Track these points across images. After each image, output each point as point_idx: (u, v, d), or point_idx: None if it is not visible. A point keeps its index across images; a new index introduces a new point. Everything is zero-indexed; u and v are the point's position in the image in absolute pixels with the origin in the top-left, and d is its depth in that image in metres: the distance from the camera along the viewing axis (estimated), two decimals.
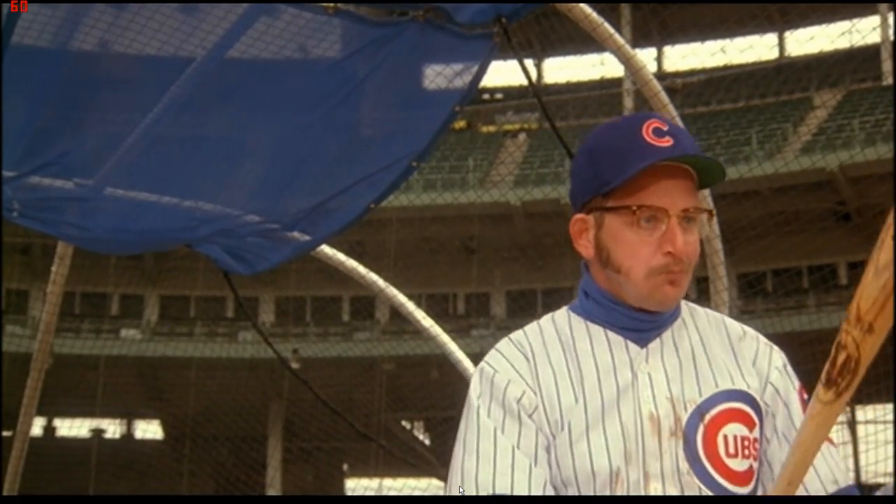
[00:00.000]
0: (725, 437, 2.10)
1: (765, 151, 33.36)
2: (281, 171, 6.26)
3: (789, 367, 2.29)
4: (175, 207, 6.24)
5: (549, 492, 2.04)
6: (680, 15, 37.95)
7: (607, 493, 2.04)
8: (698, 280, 8.97)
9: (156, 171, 6.06)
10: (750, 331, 2.28)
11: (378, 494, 35.92)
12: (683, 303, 2.25)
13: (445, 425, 32.53)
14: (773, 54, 40.67)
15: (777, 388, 2.22)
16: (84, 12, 5.20)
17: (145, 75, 5.71)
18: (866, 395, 28.12)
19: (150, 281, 37.90)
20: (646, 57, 38.50)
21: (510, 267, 36.42)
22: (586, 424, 2.07)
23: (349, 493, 39.19)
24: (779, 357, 2.29)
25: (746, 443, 2.12)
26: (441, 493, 31.28)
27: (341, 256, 8.94)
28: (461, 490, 2.04)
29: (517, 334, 2.21)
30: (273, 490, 35.18)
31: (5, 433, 13.00)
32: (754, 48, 38.58)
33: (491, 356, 2.17)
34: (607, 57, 35.01)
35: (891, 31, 35.32)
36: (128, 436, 40.58)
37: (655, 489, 2.05)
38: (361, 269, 9.22)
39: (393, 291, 9.60)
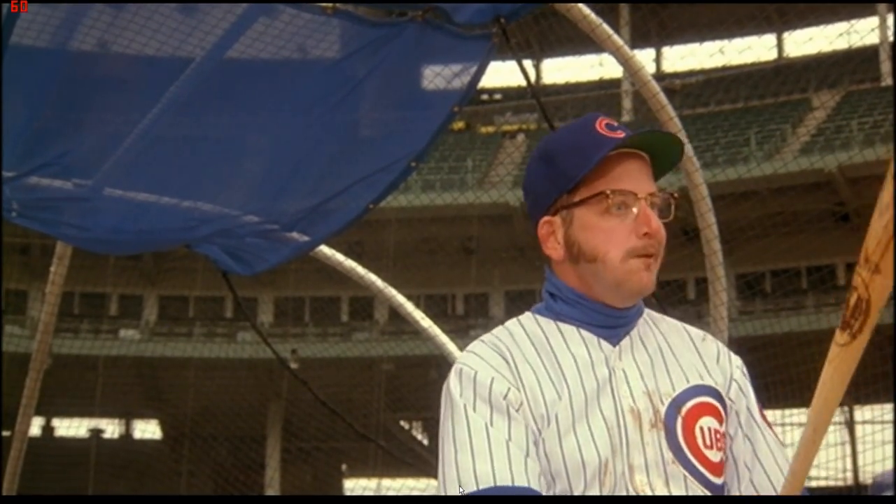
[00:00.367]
0: (702, 429, 2.16)
1: (763, 152, 33.37)
2: (280, 172, 6.26)
3: (745, 369, 2.37)
4: (174, 208, 6.25)
5: (543, 484, 2.05)
6: (678, 16, 37.96)
7: (597, 484, 2.06)
8: (697, 281, 8.98)
9: (155, 172, 6.06)
10: (708, 335, 2.35)
11: (377, 494, 35.92)
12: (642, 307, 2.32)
13: None
14: (771, 55, 40.70)
15: (740, 386, 2.29)
16: (83, 12, 5.20)
17: (144, 75, 5.71)
18: (864, 395, 28.14)
19: (148, 281, 37.90)
20: (644, 58, 38.50)
21: (509, 267, 36.40)
22: (573, 418, 2.10)
23: (348, 493, 39.19)
24: (737, 358, 2.36)
25: (718, 436, 2.18)
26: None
27: (340, 257, 8.94)
28: (460, 486, 2.03)
29: (488, 337, 2.23)
30: (272, 490, 35.17)
31: (4, 433, 13.00)
32: (753, 49, 38.60)
33: (466, 358, 2.18)
34: (606, 58, 35.00)
35: (889, 32, 35.34)
36: (126, 436, 40.59)
37: (641, 480, 2.09)
38: (360, 270, 9.22)
39: (392, 292, 9.61)
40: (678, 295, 30.09)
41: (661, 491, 2.10)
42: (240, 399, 33.84)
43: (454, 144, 38.07)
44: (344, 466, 38.81)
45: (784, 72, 39.34)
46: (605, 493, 2.08)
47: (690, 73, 38.54)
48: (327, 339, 35.19)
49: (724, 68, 38.55)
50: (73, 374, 28.52)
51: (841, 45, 33.31)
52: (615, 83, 39.99)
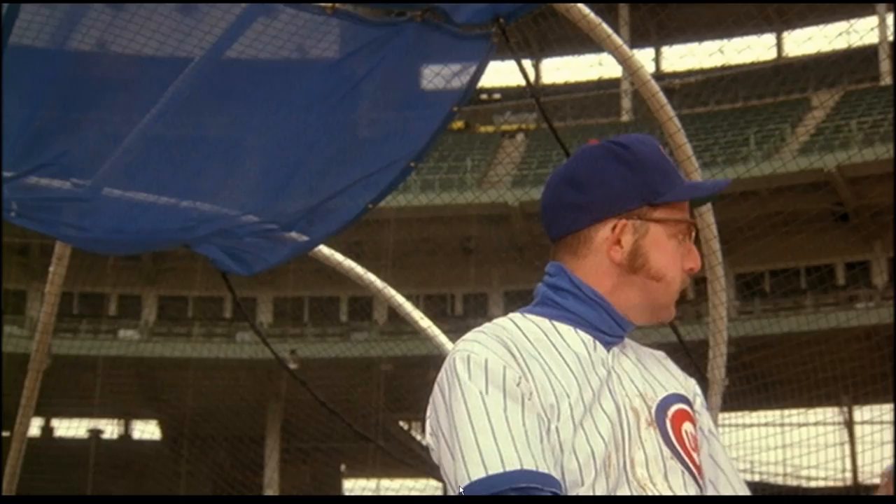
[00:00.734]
0: (686, 433, 2.24)
1: (763, 152, 33.38)
2: (279, 172, 6.26)
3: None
4: (173, 208, 6.24)
5: (558, 472, 2.06)
6: (678, 15, 37.98)
7: (604, 475, 2.09)
8: (696, 281, 8.99)
9: (154, 172, 6.06)
10: (667, 356, 2.45)
11: (376, 495, 35.94)
12: None
13: None
14: (770, 55, 40.70)
15: (702, 402, 2.39)
16: (82, 12, 5.20)
17: (143, 75, 5.71)
18: (863, 394, 28.15)
19: (148, 281, 37.91)
20: (644, 57, 38.53)
21: (508, 267, 36.39)
22: (582, 411, 2.11)
23: (347, 493, 39.21)
24: (692, 378, 2.44)
25: (696, 441, 2.27)
26: (439, 493, 31.29)
27: (339, 257, 8.95)
28: (485, 468, 2.01)
29: (488, 328, 2.23)
30: (270, 490, 35.18)
31: (3, 433, 13.00)
32: (752, 48, 38.65)
33: (470, 346, 2.16)
34: (605, 57, 35.01)
35: (888, 32, 35.36)
36: (126, 436, 40.61)
37: (642, 474, 2.13)
38: (359, 270, 9.23)
39: (391, 292, 9.61)
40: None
41: (661, 484, 2.14)
42: (239, 399, 33.85)
43: (453, 144, 38.07)
44: (343, 467, 38.82)
45: (783, 71, 39.35)
46: (611, 484, 2.09)
47: (689, 73, 38.57)
48: (326, 340, 35.19)
49: (723, 68, 38.56)
50: (73, 375, 28.53)
51: (840, 44, 33.35)
52: (614, 83, 39.98)
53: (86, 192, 5.91)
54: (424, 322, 9.86)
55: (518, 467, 2.00)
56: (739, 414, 26.80)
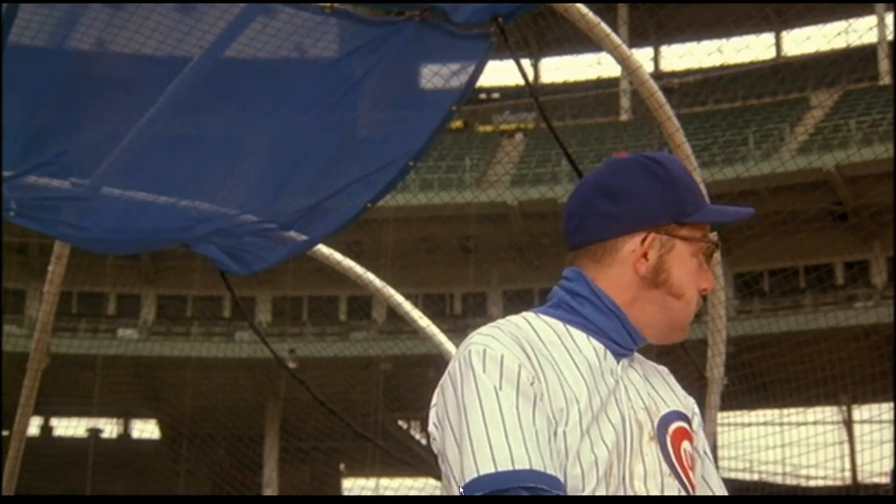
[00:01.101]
0: (685, 451, 2.26)
1: (761, 151, 33.38)
2: (278, 171, 6.26)
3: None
4: (172, 207, 6.24)
5: (562, 476, 2.06)
6: (676, 15, 37.99)
7: (604, 484, 2.10)
8: None
9: (153, 171, 6.06)
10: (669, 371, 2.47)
11: (375, 494, 35.94)
12: None
13: None
14: (769, 54, 40.70)
15: (700, 421, 2.41)
16: (80, 12, 5.20)
17: (142, 75, 5.71)
18: (862, 394, 28.17)
19: (146, 281, 37.90)
20: (642, 57, 38.54)
21: (507, 267, 36.40)
22: (591, 418, 2.12)
23: (346, 492, 39.20)
24: (691, 398, 2.46)
25: (693, 460, 2.30)
26: (438, 492, 31.35)
27: (338, 256, 8.95)
28: (490, 463, 2.01)
29: (503, 325, 2.21)
30: (269, 490, 35.17)
31: (2, 433, 13.00)
32: (751, 48, 38.66)
33: (485, 340, 2.15)
34: (604, 57, 35.00)
35: (887, 31, 35.36)
36: (125, 435, 40.60)
37: (639, 487, 2.14)
38: (358, 269, 9.23)
39: (390, 291, 9.61)
40: None
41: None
42: (238, 398, 33.85)
43: (452, 143, 38.06)
44: (342, 466, 38.82)
45: (782, 71, 39.35)
46: (610, 494, 2.11)
47: (688, 72, 38.55)
48: (325, 339, 35.17)
49: (722, 67, 38.57)
50: (72, 374, 28.53)
51: (839, 44, 33.38)
52: (613, 82, 39.98)
53: (85, 191, 5.91)
54: (423, 321, 9.87)
55: (527, 466, 2.00)
56: (738, 413, 26.82)
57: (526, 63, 39.86)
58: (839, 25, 32.58)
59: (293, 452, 35.23)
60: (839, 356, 22.66)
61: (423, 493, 30.79)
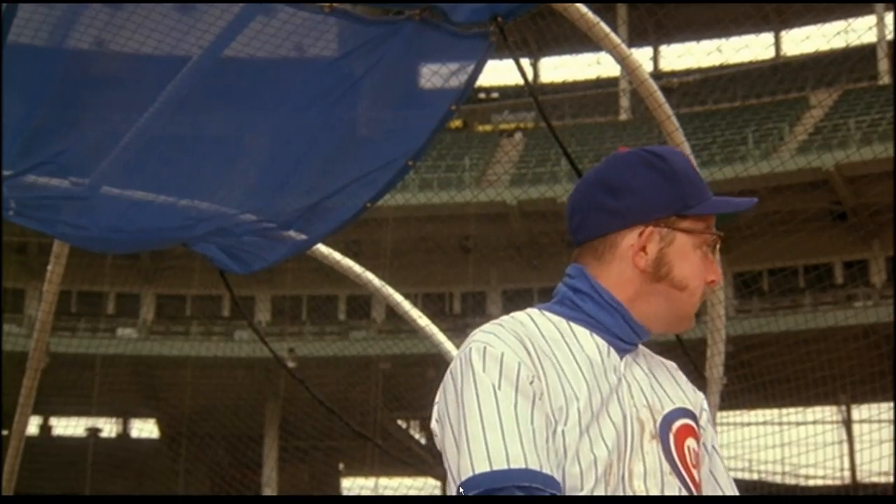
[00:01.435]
0: (688, 448, 2.25)
1: (761, 151, 33.38)
2: (277, 170, 6.26)
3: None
4: (171, 206, 6.24)
5: (559, 475, 2.07)
6: (676, 14, 37.97)
7: (603, 483, 2.10)
8: None
9: (152, 170, 6.06)
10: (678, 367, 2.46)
11: (374, 494, 35.93)
12: None
13: None
14: (769, 53, 40.70)
15: (708, 415, 2.41)
16: (80, 11, 5.20)
17: (141, 74, 5.71)
18: (861, 393, 28.17)
19: (146, 280, 37.89)
20: (642, 56, 38.53)
21: (506, 266, 36.42)
22: (591, 417, 2.12)
23: (345, 492, 39.20)
24: (701, 393, 2.45)
25: (698, 457, 2.28)
26: (437, 492, 31.28)
27: (337, 255, 8.94)
28: (487, 462, 2.01)
29: (506, 322, 2.22)
30: (269, 489, 35.17)
31: (2, 432, 12.99)
32: (750, 47, 38.65)
33: (487, 338, 2.16)
34: (603, 56, 35.02)
35: (886, 31, 35.36)
36: (124, 435, 40.58)
37: (639, 486, 2.14)
38: (357, 269, 9.22)
39: (389, 291, 9.61)
40: None
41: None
42: (237, 398, 33.83)
43: (451, 143, 38.06)
44: (341, 465, 38.82)
45: (781, 70, 39.36)
46: (609, 493, 2.11)
47: (688, 72, 38.54)
48: (324, 338, 35.15)
49: (721, 67, 38.57)
50: (71, 373, 28.52)
51: (838, 43, 33.37)
52: (612, 81, 40.00)
53: (84, 190, 5.91)
54: (423, 321, 9.86)
55: (523, 466, 2.01)
56: (738, 412, 26.80)
57: (525, 62, 39.79)
58: (838, 25, 32.59)
59: (292, 452, 35.24)
60: (838, 355, 22.67)
61: (423, 493, 30.82)
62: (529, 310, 2.29)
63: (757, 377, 21.09)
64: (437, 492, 31.60)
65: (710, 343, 8.84)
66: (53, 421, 38.51)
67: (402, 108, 6.39)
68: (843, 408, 33.32)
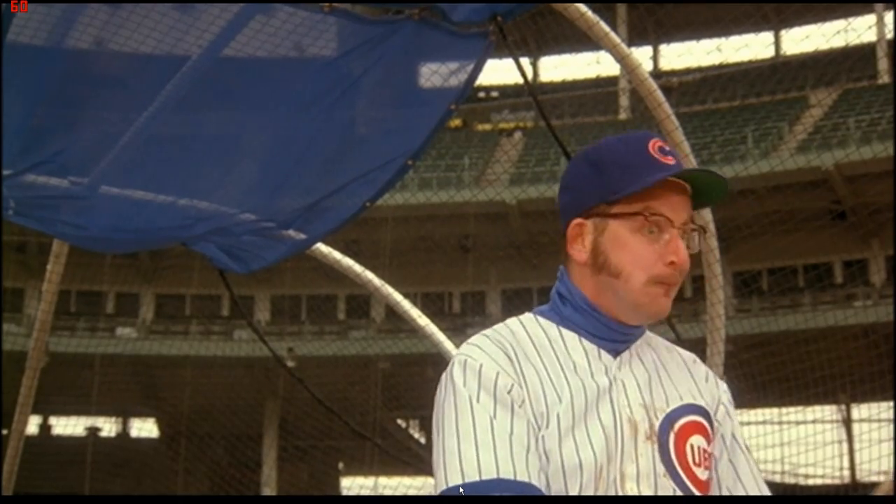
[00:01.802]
0: (692, 447, 2.21)
1: (760, 150, 33.38)
2: (276, 170, 6.25)
3: (731, 396, 2.42)
4: (170, 206, 6.24)
5: (542, 480, 2.07)
6: (675, 13, 37.99)
7: (592, 488, 2.09)
8: (694, 278, 8.98)
9: (151, 170, 6.06)
10: (697, 358, 2.40)
11: (374, 493, 35.93)
12: None
13: None
14: (768, 53, 40.72)
15: (727, 409, 2.35)
16: (79, 10, 5.19)
17: (140, 73, 5.71)
18: (861, 392, 28.17)
19: (145, 279, 37.88)
20: (641, 55, 38.54)
21: (506, 265, 36.42)
22: (573, 420, 2.12)
23: (344, 491, 39.20)
24: (724, 384, 2.41)
25: (706, 455, 2.24)
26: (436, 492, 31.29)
27: (337, 255, 8.93)
28: (462, 476, 2.04)
29: (490, 332, 2.23)
30: (268, 489, 35.18)
31: (1, 432, 12.99)
32: (750, 47, 38.63)
33: (470, 350, 2.18)
34: (603, 55, 35.03)
35: (886, 30, 35.36)
36: (123, 434, 40.58)
37: (631, 489, 2.12)
38: (357, 268, 9.21)
39: (388, 290, 9.59)
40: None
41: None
42: (236, 397, 33.82)
43: (451, 142, 38.07)
44: (340, 465, 38.83)
45: (781, 70, 39.35)
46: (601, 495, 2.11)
47: (687, 71, 38.56)
48: (324, 338, 35.16)
49: (721, 66, 38.57)
50: (70, 373, 28.52)
51: (838, 42, 33.40)
52: (612, 81, 40.01)
53: (83, 189, 5.91)
54: (422, 320, 9.84)
55: (494, 476, 2.03)
56: (737, 412, 26.60)
57: (525, 62, 39.84)
58: (838, 24, 32.60)
59: (292, 451, 35.25)
60: (838, 355, 22.67)
61: (422, 492, 30.79)
62: (525, 315, 2.30)
63: (756, 376, 21.11)
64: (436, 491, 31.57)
65: (709, 342, 8.84)
66: (53, 420, 38.52)
67: (402, 107, 6.38)
68: (843, 407, 33.34)
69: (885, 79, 36.54)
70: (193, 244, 6.75)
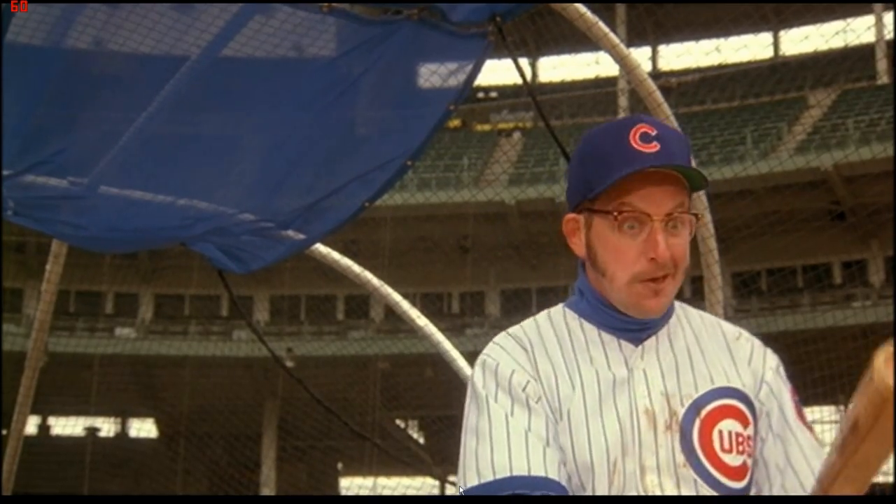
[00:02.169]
0: (720, 433, 2.14)
1: (759, 151, 33.38)
2: (275, 170, 6.25)
3: (782, 369, 2.32)
4: (169, 206, 6.24)
5: (563, 473, 2.07)
6: (675, 14, 37.99)
7: (605, 482, 2.08)
8: (693, 279, 8.98)
9: (150, 170, 6.06)
10: (745, 332, 2.30)
11: (373, 493, 35.93)
12: (678, 303, 2.29)
13: (440, 424, 32.56)
14: (767, 53, 40.72)
15: (772, 387, 2.25)
16: (78, 11, 5.19)
17: (139, 74, 5.71)
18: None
19: (144, 279, 37.87)
20: (640, 56, 38.52)
21: (504, 266, 36.41)
22: (585, 414, 2.11)
23: (343, 491, 39.20)
24: (773, 358, 2.31)
25: (741, 439, 2.15)
26: (436, 491, 31.25)
27: (336, 255, 8.93)
28: (479, 476, 2.06)
29: (514, 329, 2.24)
30: (267, 489, 35.17)
31: (0, 432, 12.99)
32: (749, 47, 38.63)
33: (490, 349, 2.19)
34: (602, 56, 35.02)
35: (885, 31, 35.35)
36: (122, 434, 40.56)
37: (652, 481, 2.09)
38: (356, 268, 9.20)
39: (387, 290, 9.59)
40: None
41: (671, 493, 2.10)
42: (235, 397, 33.82)
43: (450, 143, 38.05)
44: (340, 465, 38.82)
45: (780, 70, 39.36)
46: (615, 492, 2.09)
47: (686, 72, 38.50)
48: (323, 338, 35.15)
49: (720, 66, 38.56)
50: (69, 373, 28.51)
51: (837, 43, 33.35)
52: (611, 81, 40.00)
53: (82, 189, 5.91)
54: (421, 320, 9.84)
55: (507, 474, 2.04)
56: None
57: (524, 62, 39.87)
58: (837, 25, 32.56)
59: (291, 451, 35.24)
60: (837, 355, 22.65)
61: (421, 493, 30.82)
62: (555, 307, 2.29)
63: None
64: (436, 491, 31.61)
65: None
66: (52, 420, 38.50)
67: (401, 107, 6.39)
68: (842, 408, 33.30)
69: (883, 79, 36.54)
70: (192, 244, 6.75)
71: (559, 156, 30.09)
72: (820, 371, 21.84)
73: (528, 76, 40.84)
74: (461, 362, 9.63)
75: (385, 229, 27.68)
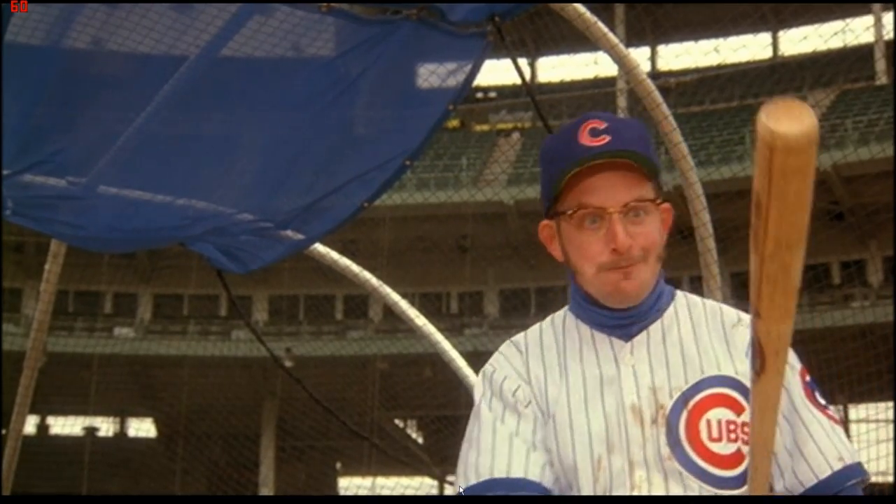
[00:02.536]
0: (709, 422, 2.13)
1: None
2: (274, 170, 6.25)
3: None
4: (168, 206, 6.24)
5: (549, 474, 2.12)
6: (673, 14, 37.96)
7: (590, 480, 2.10)
8: (692, 279, 8.96)
9: (149, 170, 6.06)
10: (745, 317, 2.25)
11: (371, 493, 35.92)
12: (680, 293, 2.30)
13: (438, 424, 32.54)
14: (766, 54, 40.71)
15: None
16: (77, 10, 5.19)
17: (138, 73, 5.71)
18: (858, 393, 28.15)
19: (143, 279, 37.84)
20: (639, 56, 38.51)
21: (503, 266, 36.38)
22: (569, 415, 2.15)
23: (342, 491, 39.19)
24: None
25: (732, 427, 2.13)
26: (434, 491, 31.25)
27: (334, 255, 8.93)
28: (465, 480, 2.14)
29: (518, 336, 2.31)
30: (266, 489, 35.15)
31: None
32: (748, 47, 38.61)
33: (492, 358, 2.28)
34: (601, 56, 35.00)
35: (884, 31, 35.35)
36: (121, 434, 40.55)
37: (640, 476, 2.11)
38: (355, 268, 9.21)
39: (386, 290, 9.59)
40: None
41: (659, 487, 2.10)
42: (234, 397, 33.80)
43: (449, 143, 38.03)
44: (338, 465, 38.80)
45: (779, 70, 39.36)
46: (600, 489, 2.10)
47: (685, 72, 38.51)
48: (321, 338, 35.13)
49: (718, 67, 38.54)
50: (68, 373, 28.51)
51: (836, 43, 33.34)
52: (610, 81, 39.99)
53: (81, 189, 5.90)
54: (420, 320, 9.85)
55: (487, 476, 2.12)
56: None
57: (523, 62, 39.86)
58: (836, 25, 32.54)
59: (289, 451, 35.21)
60: (836, 355, 22.63)
61: (420, 493, 30.82)
62: (557, 313, 2.34)
63: None
64: (434, 491, 31.62)
65: None
66: (51, 420, 38.49)
67: (400, 107, 6.39)
68: (841, 408, 33.31)
69: (882, 80, 36.54)
70: (191, 244, 6.76)
71: None
72: (818, 371, 21.82)
73: (527, 76, 40.85)
74: (460, 362, 9.64)
75: (384, 229, 27.67)
